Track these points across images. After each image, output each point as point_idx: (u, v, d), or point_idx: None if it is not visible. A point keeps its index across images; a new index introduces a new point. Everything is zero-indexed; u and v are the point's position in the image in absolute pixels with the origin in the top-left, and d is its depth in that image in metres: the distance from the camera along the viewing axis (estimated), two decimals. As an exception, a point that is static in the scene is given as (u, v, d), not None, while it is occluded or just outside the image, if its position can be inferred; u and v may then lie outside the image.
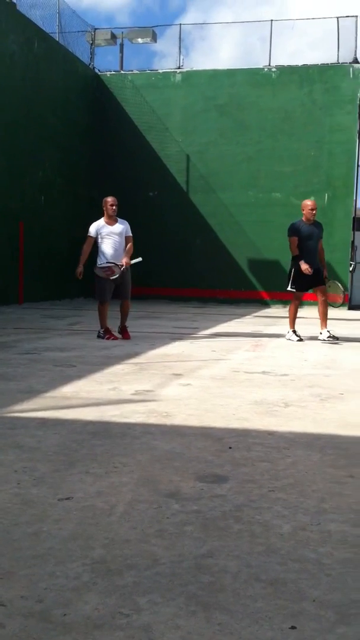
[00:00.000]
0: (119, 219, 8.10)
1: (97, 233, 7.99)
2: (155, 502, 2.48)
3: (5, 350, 6.71)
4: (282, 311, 16.13)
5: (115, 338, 7.89)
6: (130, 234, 8.16)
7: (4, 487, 2.59)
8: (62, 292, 16.37)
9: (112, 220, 8.05)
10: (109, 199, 8.08)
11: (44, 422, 3.69)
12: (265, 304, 18.31)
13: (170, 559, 2.00)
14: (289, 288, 8.68)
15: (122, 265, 7.88)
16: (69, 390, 4.66)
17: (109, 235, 7.98)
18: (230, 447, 3.24)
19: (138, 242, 18.51)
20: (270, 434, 3.54)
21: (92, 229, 8.03)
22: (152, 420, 3.81)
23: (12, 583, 1.82)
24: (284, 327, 9.68)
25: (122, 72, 19.43)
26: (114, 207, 8.00)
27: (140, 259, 8.08)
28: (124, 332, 8.08)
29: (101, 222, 8.06)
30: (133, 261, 8.03)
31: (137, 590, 1.81)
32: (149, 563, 1.97)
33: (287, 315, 8.97)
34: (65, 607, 1.71)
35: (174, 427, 3.65)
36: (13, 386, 4.75)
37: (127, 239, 8.10)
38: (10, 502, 2.43)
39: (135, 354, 6.63)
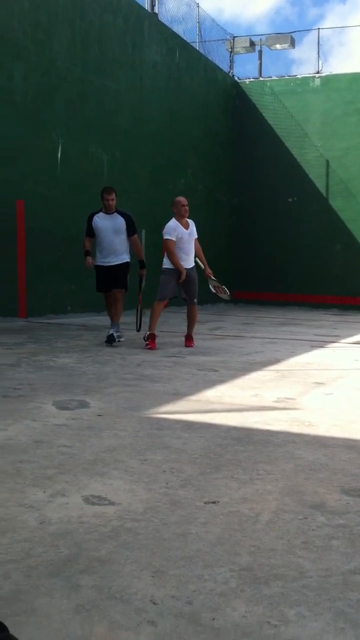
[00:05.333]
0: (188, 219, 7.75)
1: (177, 236, 7.58)
2: (300, 512, 2.45)
3: (152, 353, 6.91)
4: None
5: (153, 348, 7.18)
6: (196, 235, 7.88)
7: (153, 487, 2.68)
8: (203, 296, 16.53)
9: (184, 222, 7.72)
10: (182, 199, 7.69)
11: (189, 424, 3.76)
12: None
13: (317, 573, 1.97)
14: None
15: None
16: (212, 394, 4.72)
17: (184, 237, 7.65)
18: (377, 461, 3.13)
19: (277, 247, 18.17)
20: None
21: (172, 232, 7.59)
22: (295, 429, 3.76)
23: (163, 582, 1.88)
24: None
25: (260, 79, 19.40)
26: (185, 207, 7.65)
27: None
28: (188, 340, 7.67)
29: (174, 223, 7.63)
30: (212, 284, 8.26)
31: (284, 601, 1.80)
32: (296, 575, 1.95)
33: None
34: (214, 611, 1.73)
35: (317, 437, 3.59)
36: (159, 388, 4.89)
37: (195, 241, 7.83)
38: (160, 502, 2.51)
39: (277, 361, 6.59)
